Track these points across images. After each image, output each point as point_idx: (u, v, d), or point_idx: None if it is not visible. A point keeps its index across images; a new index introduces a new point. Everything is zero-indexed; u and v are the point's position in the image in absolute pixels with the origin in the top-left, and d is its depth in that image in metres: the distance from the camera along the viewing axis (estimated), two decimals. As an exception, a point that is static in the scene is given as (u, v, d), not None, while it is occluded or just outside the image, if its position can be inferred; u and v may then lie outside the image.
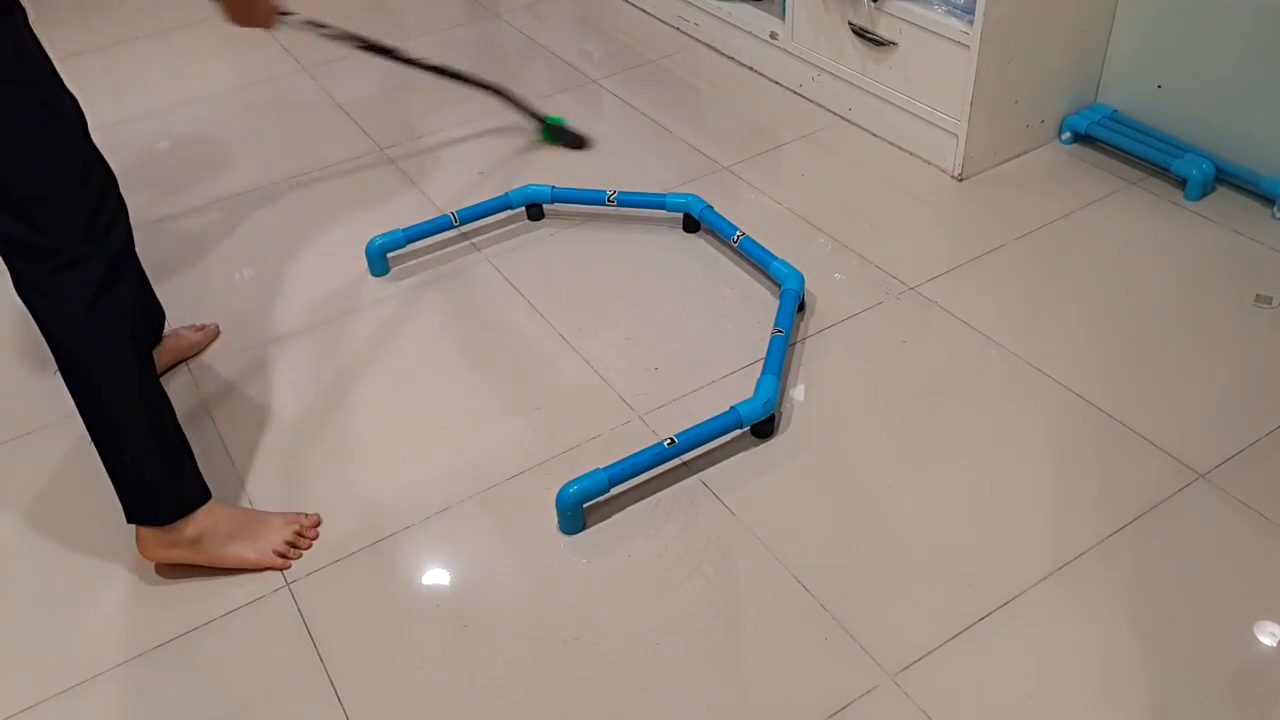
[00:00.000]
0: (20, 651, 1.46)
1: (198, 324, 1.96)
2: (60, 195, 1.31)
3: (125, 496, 1.46)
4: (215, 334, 1.97)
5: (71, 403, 1.40)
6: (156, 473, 1.46)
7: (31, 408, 1.83)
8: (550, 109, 2.64)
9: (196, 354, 1.92)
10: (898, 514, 1.56)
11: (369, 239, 2.09)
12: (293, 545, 1.54)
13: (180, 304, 2.04)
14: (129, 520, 1.48)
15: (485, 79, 2.44)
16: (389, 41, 2.27)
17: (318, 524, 1.59)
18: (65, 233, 1.32)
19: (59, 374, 1.41)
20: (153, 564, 1.54)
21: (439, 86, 2.77)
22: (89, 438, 1.43)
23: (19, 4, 1.28)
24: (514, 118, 2.52)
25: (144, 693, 1.39)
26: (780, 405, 1.72)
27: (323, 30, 2.12)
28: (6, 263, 1.34)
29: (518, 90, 2.54)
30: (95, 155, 1.40)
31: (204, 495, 1.50)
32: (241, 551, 1.51)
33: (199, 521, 1.48)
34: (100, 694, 1.39)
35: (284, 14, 1.76)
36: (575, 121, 2.56)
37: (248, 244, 2.22)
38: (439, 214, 2.17)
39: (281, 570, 1.53)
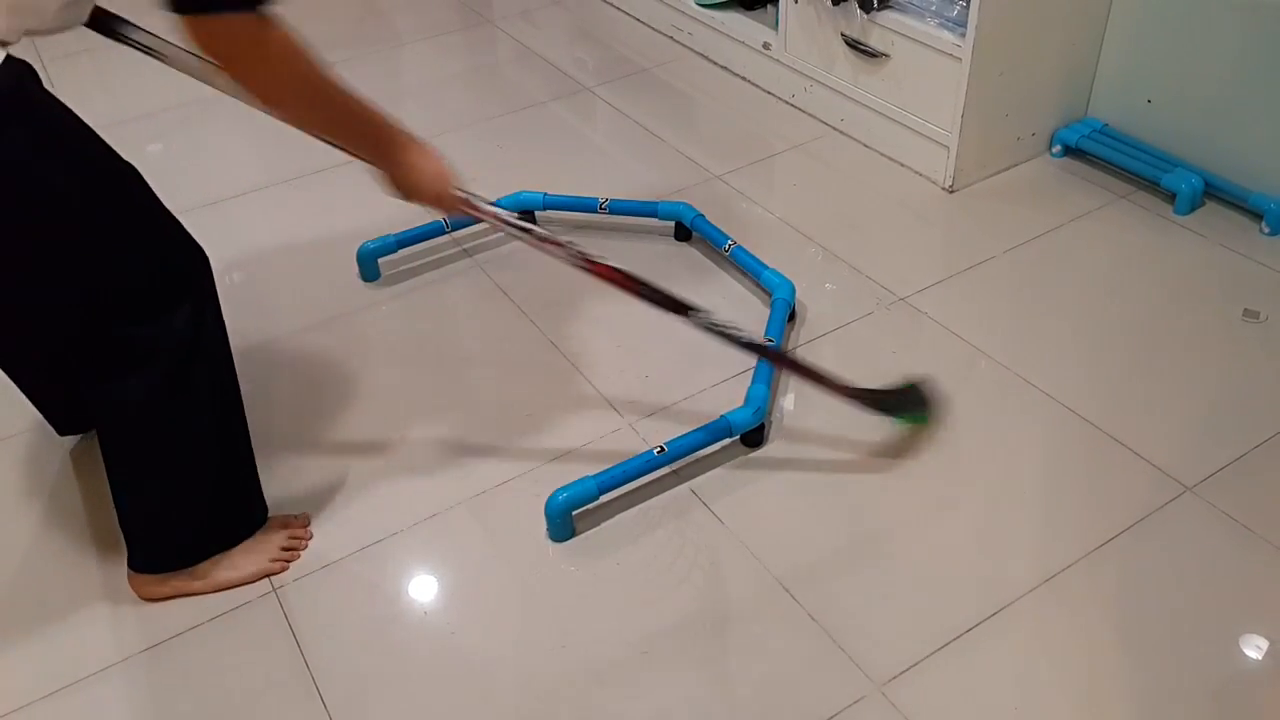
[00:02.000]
0: (5, 655, 1.44)
1: None
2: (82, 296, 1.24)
3: (138, 549, 1.46)
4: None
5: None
6: (186, 538, 1.45)
7: (15, 411, 1.82)
8: (545, 116, 2.64)
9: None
10: (886, 524, 1.56)
11: (360, 244, 2.08)
12: (287, 549, 1.54)
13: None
14: (139, 570, 1.47)
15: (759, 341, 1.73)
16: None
17: (308, 523, 1.59)
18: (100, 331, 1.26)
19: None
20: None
21: (431, 90, 2.78)
22: (78, 442, 1.42)
23: (31, 70, 1.17)
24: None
25: (129, 698, 1.38)
26: (770, 414, 1.73)
27: (559, 250, 1.50)
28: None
29: (518, 100, 2.50)
30: (141, 224, 1.30)
31: (223, 544, 1.49)
32: (240, 571, 1.50)
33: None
34: (85, 699, 1.38)
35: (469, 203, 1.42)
36: (573, 123, 2.56)
37: (239, 248, 2.22)
38: (431, 220, 2.17)
39: (281, 572, 1.52)
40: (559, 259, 1.47)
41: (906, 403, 1.69)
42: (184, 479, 1.42)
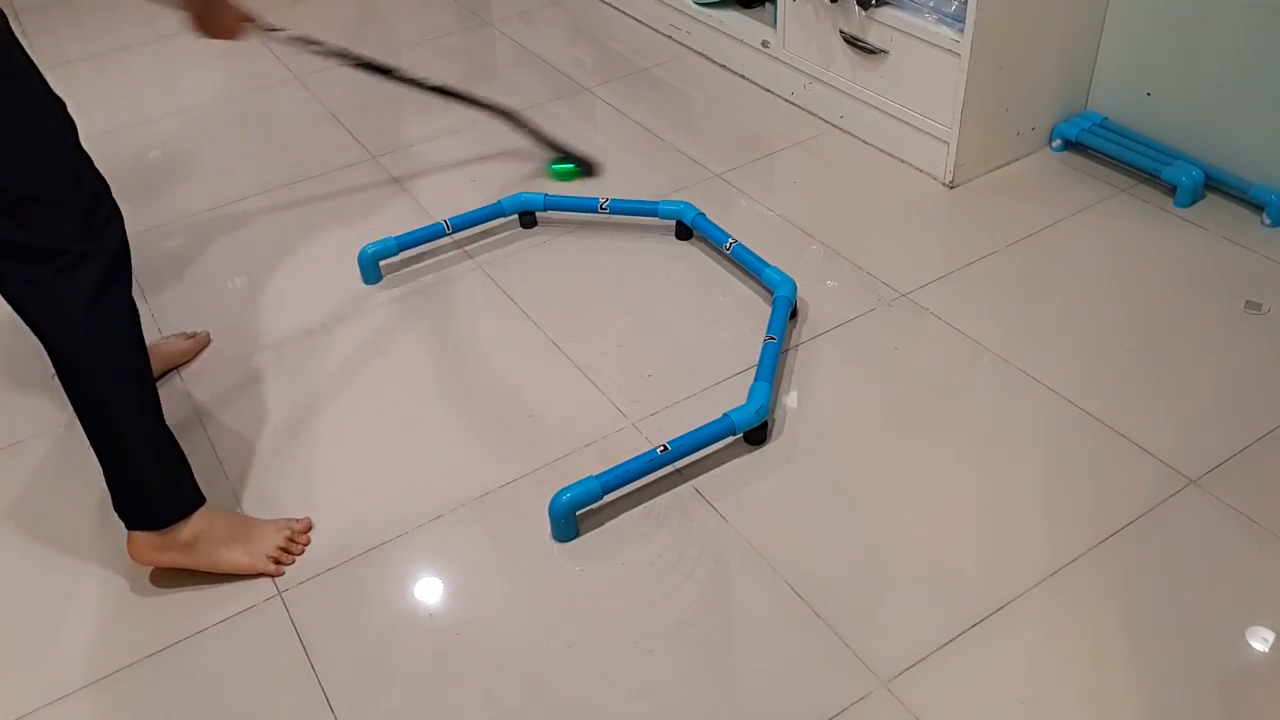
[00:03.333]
0: (10, 661, 1.45)
1: (188, 332, 1.96)
2: (54, 196, 1.31)
3: (122, 499, 1.46)
4: (205, 342, 1.96)
5: (56, 415, 1.40)
6: (155, 476, 1.46)
7: (19, 418, 1.83)
8: (545, 117, 2.64)
9: (187, 362, 1.92)
10: (890, 520, 1.56)
11: (361, 247, 2.08)
12: (286, 551, 1.54)
13: (171, 312, 2.04)
14: (129, 525, 1.47)
15: (491, 100, 2.38)
16: (384, 59, 2.22)
17: (309, 529, 1.59)
18: (62, 233, 1.32)
19: (55, 379, 1.41)
20: (144, 570, 1.53)
21: (430, 95, 2.78)
22: (78, 447, 1.43)
23: (1, 11, 1.28)
24: (517, 139, 2.48)
25: (135, 703, 1.39)
26: (773, 412, 1.73)
27: (315, 48, 2.04)
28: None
29: (515, 102, 2.53)
30: (86, 159, 1.40)
31: (200, 499, 1.50)
32: (235, 556, 1.51)
33: (194, 525, 1.48)
34: (91, 704, 1.39)
35: (272, 29, 1.74)
36: (568, 126, 2.56)
37: (240, 252, 2.22)
38: (432, 222, 2.18)
39: (275, 576, 1.52)
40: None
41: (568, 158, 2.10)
42: (142, 421, 1.43)
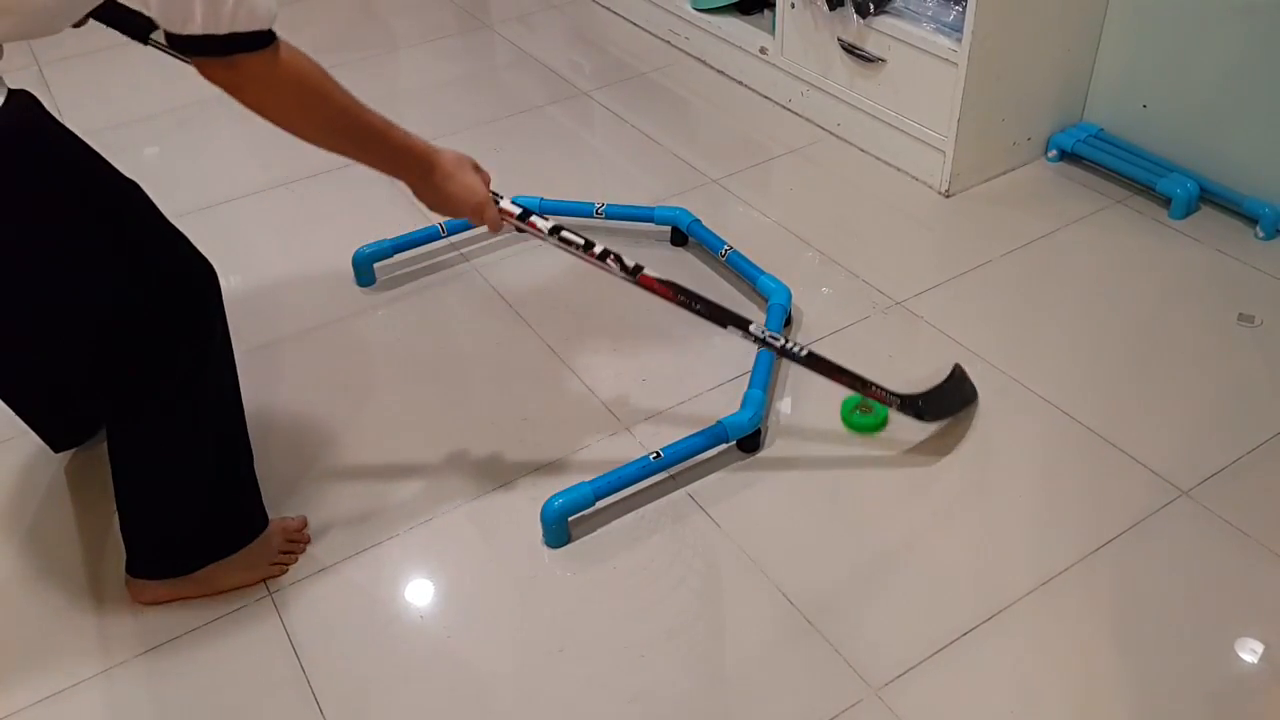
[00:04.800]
0: (1, 659, 1.45)
1: None
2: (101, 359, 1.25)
3: (139, 550, 1.45)
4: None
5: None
6: (189, 535, 1.45)
7: (6, 414, 1.82)
8: (542, 120, 2.64)
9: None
10: (883, 529, 1.56)
11: (356, 248, 2.08)
12: (287, 553, 1.54)
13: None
14: (138, 575, 1.46)
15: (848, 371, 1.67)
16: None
17: (304, 526, 1.58)
18: (121, 389, 1.28)
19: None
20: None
21: (428, 94, 2.78)
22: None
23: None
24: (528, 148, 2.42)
25: (123, 702, 1.38)
26: (766, 419, 1.73)
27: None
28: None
29: (515, 103, 2.49)
30: (143, 294, 1.27)
31: (233, 544, 1.48)
32: (239, 575, 1.50)
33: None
34: (80, 703, 1.38)
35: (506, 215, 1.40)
36: (570, 127, 2.56)
37: (234, 252, 2.21)
38: (427, 224, 2.17)
39: (279, 576, 1.52)
40: (607, 272, 1.50)
41: (952, 400, 1.70)
42: (187, 491, 1.42)
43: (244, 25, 1.09)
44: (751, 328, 1.55)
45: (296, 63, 1.16)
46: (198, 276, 1.33)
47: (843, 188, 2.35)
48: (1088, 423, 1.71)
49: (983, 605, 1.44)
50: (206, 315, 1.33)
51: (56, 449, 1.72)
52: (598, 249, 1.48)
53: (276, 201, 2.38)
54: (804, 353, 1.59)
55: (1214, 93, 2.12)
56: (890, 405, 1.64)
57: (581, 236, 1.48)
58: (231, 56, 1.11)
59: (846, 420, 1.72)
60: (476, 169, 1.40)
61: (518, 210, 1.42)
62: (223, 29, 1.08)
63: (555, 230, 1.45)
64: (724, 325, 1.55)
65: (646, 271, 1.51)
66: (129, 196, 1.26)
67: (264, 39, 1.12)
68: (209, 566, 1.47)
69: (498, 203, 1.40)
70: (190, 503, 1.42)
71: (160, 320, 1.27)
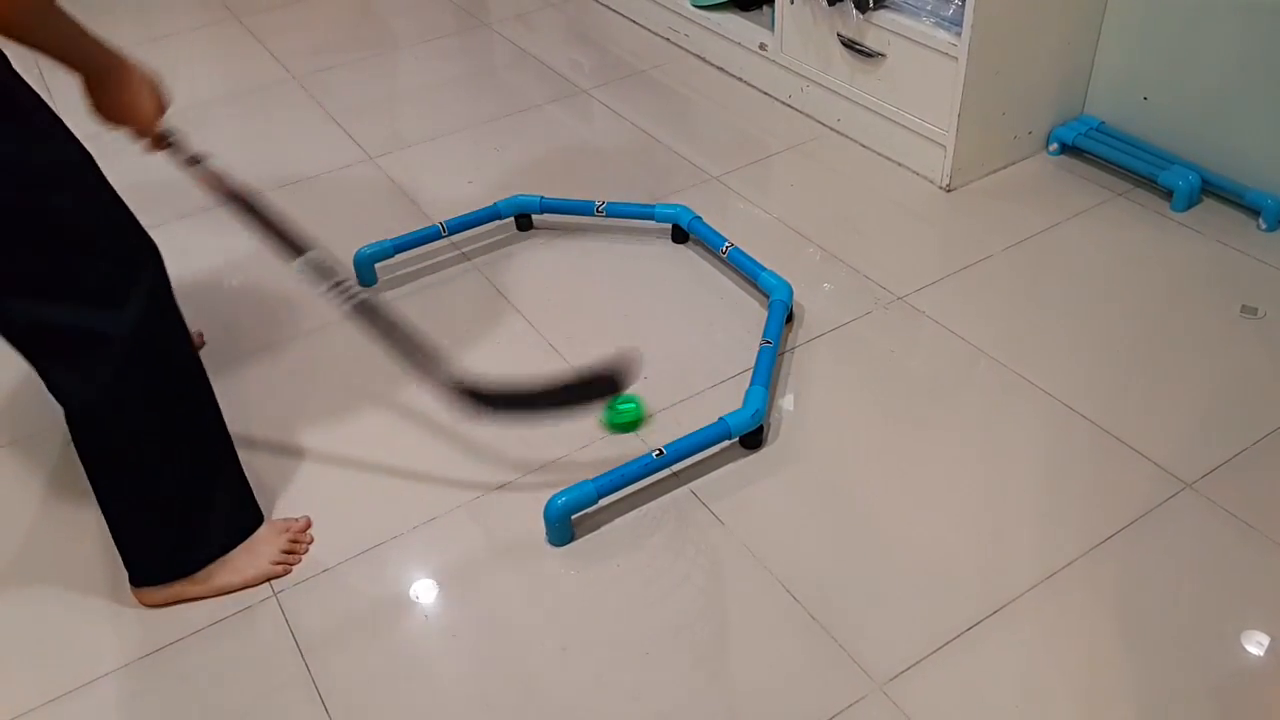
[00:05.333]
0: (5, 662, 1.44)
1: None
2: (60, 268, 1.24)
3: (136, 562, 1.45)
4: (199, 344, 1.96)
5: (46, 419, 1.38)
6: (180, 538, 1.45)
7: (8, 417, 1.82)
8: (542, 119, 2.64)
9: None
10: (886, 524, 1.56)
11: (357, 248, 2.08)
12: (290, 553, 1.54)
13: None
14: (144, 584, 1.46)
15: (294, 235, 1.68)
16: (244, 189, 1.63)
17: (308, 527, 1.59)
18: (74, 310, 1.26)
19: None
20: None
21: (428, 94, 2.78)
22: (68, 450, 1.41)
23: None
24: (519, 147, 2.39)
25: (129, 704, 1.38)
26: (769, 415, 1.72)
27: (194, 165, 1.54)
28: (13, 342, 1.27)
29: (517, 102, 2.49)
30: (102, 218, 1.30)
31: (225, 543, 1.49)
32: (243, 574, 1.50)
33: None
34: (85, 705, 1.38)
35: (191, 157, 1.47)
36: (570, 125, 2.56)
37: (234, 253, 2.22)
38: (428, 224, 2.17)
39: (283, 575, 1.52)
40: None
41: (588, 393, 1.54)
42: (161, 482, 1.41)
43: None
44: (306, 257, 1.46)
45: None
46: (143, 249, 1.33)
47: (843, 183, 2.35)
48: (1091, 416, 1.71)
49: (987, 600, 1.44)
50: (150, 286, 1.32)
51: None
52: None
53: (277, 202, 2.37)
54: (358, 299, 1.48)
55: (1215, 84, 2.11)
56: (433, 382, 1.48)
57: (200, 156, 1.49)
58: None
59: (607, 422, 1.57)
60: (156, 94, 1.35)
61: (171, 136, 1.43)
62: None
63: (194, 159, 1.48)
64: (289, 247, 1.48)
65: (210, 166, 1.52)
66: (86, 164, 1.27)
67: None
68: (211, 565, 1.47)
69: (171, 139, 1.42)
70: (170, 498, 1.42)
71: (107, 284, 1.27)
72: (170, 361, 1.38)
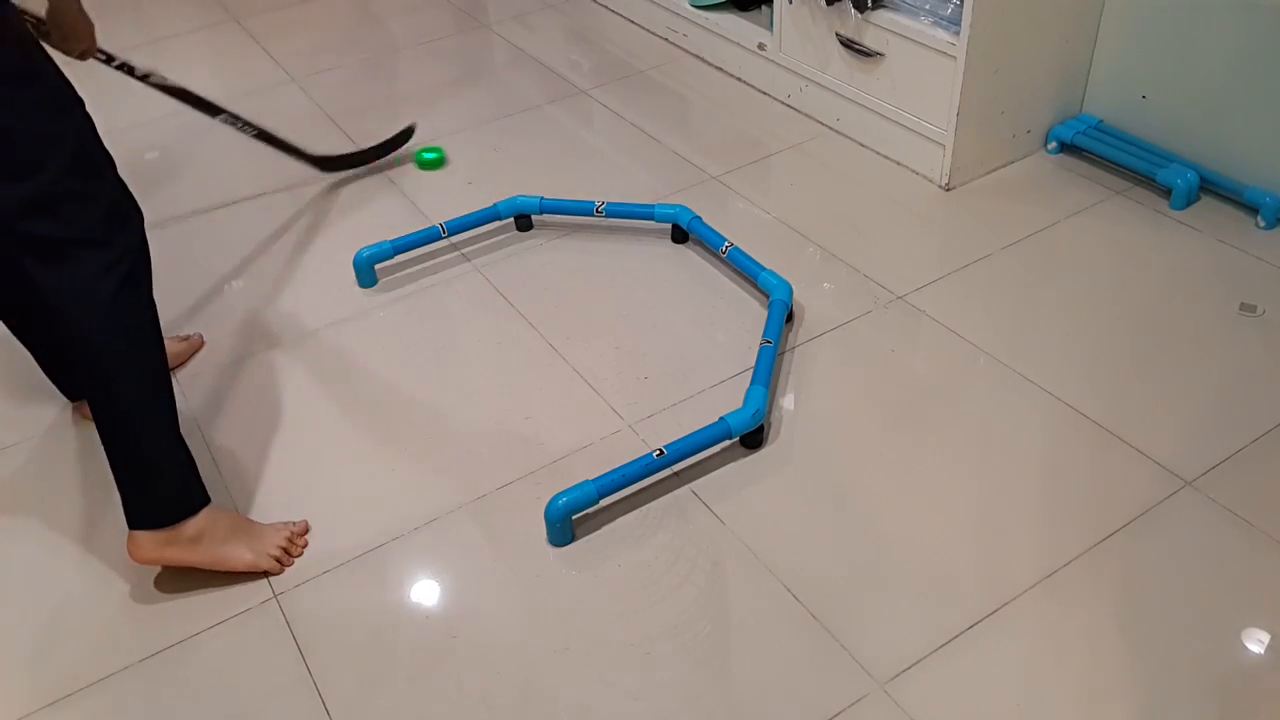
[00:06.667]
0: (6, 664, 1.45)
1: (181, 335, 1.96)
2: (80, 188, 1.34)
3: (131, 495, 1.45)
4: (199, 345, 1.96)
5: (48, 422, 1.39)
6: (166, 472, 1.46)
7: (6, 421, 1.82)
8: (541, 119, 2.64)
9: (179, 365, 1.92)
10: (887, 523, 1.56)
11: (357, 250, 2.08)
12: (286, 552, 1.54)
13: (166, 314, 2.02)
14: (134, 525, 1.46)
15: (305, 150, 2.35)
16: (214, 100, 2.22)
17: (306, 531, 1.59)
18: (89, 224, 1.35)
19: (50, 379, 1.41)
20: (141, 572, 1.53)
21: (428, 95, 2.79)
22: (65, 452, 1.42)
23: (11, 2, 1.29)
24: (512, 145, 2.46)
25: (131, 705, 1.38)
26: (770, 415, 1.73)
27: (149, 79, 2.06)
28: (27, 257, 1.33)
29: (516, 103, 2.51)
30: (106, 155, 1.42)
31: (206, 497, 1.50)
32: (239, 553, 1.50)
33: (198, 522, 1.48)
34: (85, 708, 1.38)
35: (111, 59, 1.84)
36: (569, 126, 2.57)
37: (235, 255, 2.22)
38: (428, 225, 2.18)
39: (276, 574, 1.52)
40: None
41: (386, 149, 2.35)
42: (154, 417, 1.44)
43: None
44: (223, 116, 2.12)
45: None
46: (120, 183, 1.44)
47: (842, 183, 2.35)
48: (1090, 414, 1.71)
49: (988, 598, 1.44)
50: (128, 218, 1.43)
51: (72, 397, 1.81)
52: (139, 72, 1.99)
53: (277, 205, 2.38)
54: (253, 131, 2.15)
55: (1213, 82, 2.12)
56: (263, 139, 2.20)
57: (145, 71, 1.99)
58: None
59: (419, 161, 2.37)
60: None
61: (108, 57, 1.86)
62: None
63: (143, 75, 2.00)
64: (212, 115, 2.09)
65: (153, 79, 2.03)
66: (80, 103, 1.40)
67: None
68: (202, 522, 1.48)
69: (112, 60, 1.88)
70: (160, 425, 1.45)
71: (121, 203, 1.42)
72: (149, 306, 1.44)
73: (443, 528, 1.60)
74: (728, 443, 1.68)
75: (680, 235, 2.17)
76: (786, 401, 1.77)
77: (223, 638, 1.45)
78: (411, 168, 2.46)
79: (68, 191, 1.32)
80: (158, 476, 1.45)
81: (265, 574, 1.53)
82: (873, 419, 1.73)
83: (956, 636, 1.39)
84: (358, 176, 2.45)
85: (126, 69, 1.95)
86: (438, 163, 2.43)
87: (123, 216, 1.41)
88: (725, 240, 2.04)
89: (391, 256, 2.11)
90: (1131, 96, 2.28)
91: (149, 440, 1.43)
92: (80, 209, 1.34)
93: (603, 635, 1.43)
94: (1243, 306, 1.91)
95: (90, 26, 1.60)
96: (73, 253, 1.34)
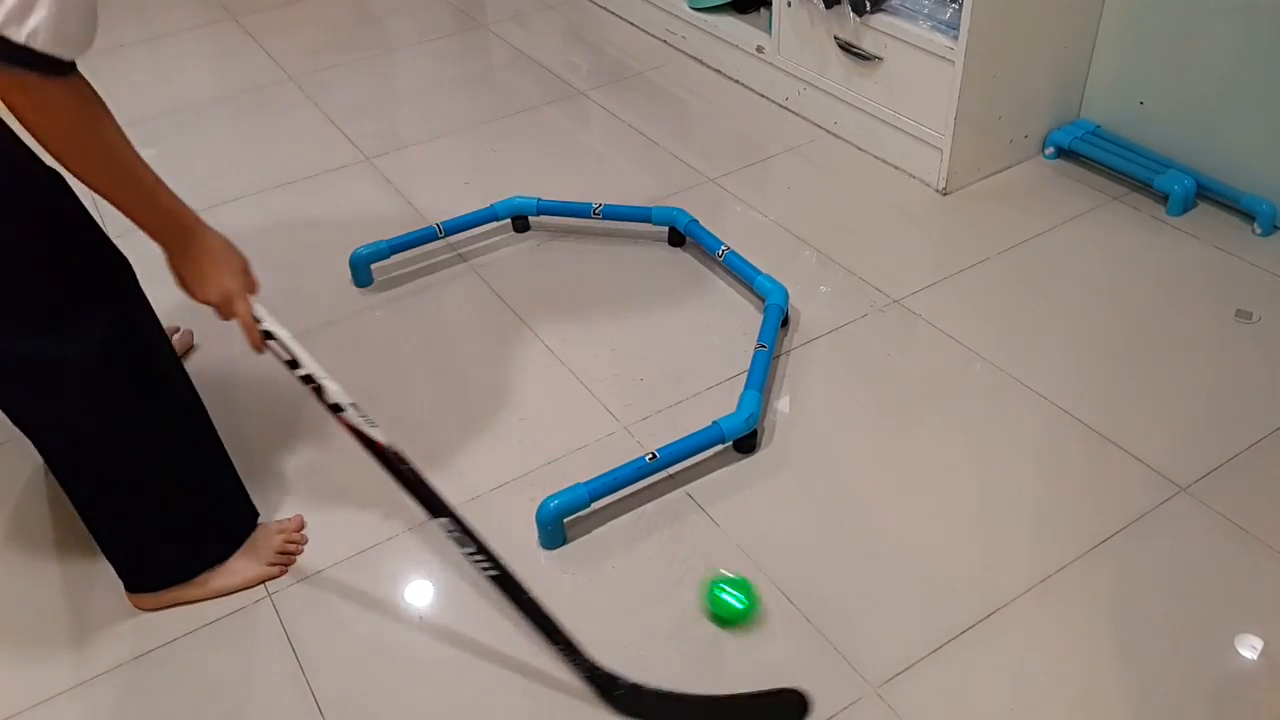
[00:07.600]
0: (-3, 663, 1.44)
1: (171, 325, 1.95)
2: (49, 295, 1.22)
3: (130, 571, 1.45)
4: (189, 342, 1.95)
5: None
6: (176, 546, 1.45)
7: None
8: (538, 120, 2.64)
9: (176, 363, 1.90)
10: (881, 526, 1.56)
11: (353, 249, 2.08)
12: (285, 553, 1.54)
13: (161, 312, 2.03)
14: (139, 590, 1.46)
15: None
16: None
17: (302, 526, 1.58)
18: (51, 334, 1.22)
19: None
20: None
21: (425, 95, 2.78)
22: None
23: None
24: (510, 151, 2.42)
25: (123, 704, 1.38)
26: (764, 418, 1.73)
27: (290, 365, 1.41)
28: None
29: (513, 104, 2.50)
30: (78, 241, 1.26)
31: (222, 552, 1.48)
32: (240, 576, 1.50)
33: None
34: (79, 705, 1.38)
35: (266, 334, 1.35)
36: (566, 127, 2.56)
37: (232, 253, 2.21)
38: (424, 225, 2.17)
39: (280, 576, 1.52)
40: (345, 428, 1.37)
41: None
42: (148, 499, 1.40)
43: (44, 45, 0.96)
44: (442, 521, 1.33)
45: (70, 91, 1.06)
46: (110, 265, 1.30)
47: (840, 186, 2.35)
48: (1085, 419, 1.71)
49: (982, 603, 1.44)
50: (118, 304, 1.29)
51: None
52: (314, 381, 1.36)
53: (273, 203, 2.37)
54: (495, 572, 1.33)
55: (1211, 89, 2.12)
56: (577, 671, 1.33)
57: (316, 379, 1.37)
58: (15, 71, 0.98)
59: (712, 599, 1.43)
60: (246, 272, 1.32)
61: (267, 327, 1.33)
62: (18, 38, 0.95)
63: (307, 379, 1.36)
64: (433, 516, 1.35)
65: (347, 416, 1.36)
66: (46, 184, 1.22)
67: (62, 68, 1.01)
68: (206, 570, 1.47)
69: (264, 327, 1.33)
70: (160, 510, 1.41)
71: (69, 308, 1.23)
72: (147, 377, 1.34)
73: (436, 529, 1.59)
74: (721, 447, 1.67)
75: (677, 238, 2.17)
76: (782, 405, 1.77)
77: (215, 638, 1.45)
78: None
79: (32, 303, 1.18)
80: (159, 553, 1.45)
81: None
82: (868, 423, 1.73)
83: (951, 640, 1.39)
84: (352, 176, 2.45)
85: (314, 388, 1.38)
86: (733, 615, 1.43)
87: (85, 313, 1.24)
88: (722, 244, 2.04)
89: (388, 256, 2.11)
90: (1129, 102, 2.28)
91: (155, 528, 1.43)
92: (15, 322, 1.19)
93: (595, 638, 1.42)
94: (1238, 313, 1.91)
95: (213, 273, 1.27)
96: (14, 375, 1.22)
